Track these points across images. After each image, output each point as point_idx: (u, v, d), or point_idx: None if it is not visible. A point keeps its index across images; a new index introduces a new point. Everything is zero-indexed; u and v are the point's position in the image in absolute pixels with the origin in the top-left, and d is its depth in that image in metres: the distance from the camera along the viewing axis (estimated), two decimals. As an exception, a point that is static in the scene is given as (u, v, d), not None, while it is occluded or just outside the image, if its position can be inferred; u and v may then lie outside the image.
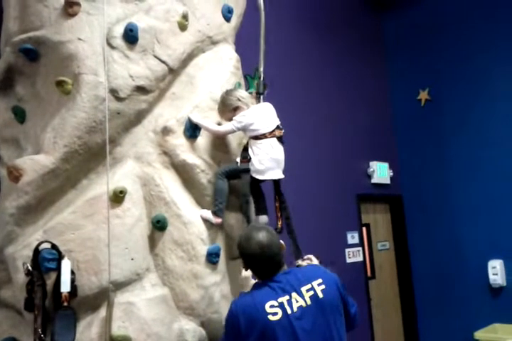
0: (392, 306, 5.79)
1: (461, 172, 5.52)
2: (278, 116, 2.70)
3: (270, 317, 1.81)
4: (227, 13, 2.93)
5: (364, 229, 5.53)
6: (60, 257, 2.17)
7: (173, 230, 2.45)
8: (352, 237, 5.16)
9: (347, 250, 5.06)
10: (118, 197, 2.32)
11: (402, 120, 6.07)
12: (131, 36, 2.44)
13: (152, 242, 2.46)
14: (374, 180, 5.59)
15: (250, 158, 2.59)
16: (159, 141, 2.53)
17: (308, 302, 1.87)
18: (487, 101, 5.39)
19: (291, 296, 1.87)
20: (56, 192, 2.35)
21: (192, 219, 2.48)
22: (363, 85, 5.73)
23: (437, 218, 5.65)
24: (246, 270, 2.09)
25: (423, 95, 5.88)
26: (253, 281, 2.09)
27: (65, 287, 2.12)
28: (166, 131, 2.52)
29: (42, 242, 2.18)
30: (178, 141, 2.53)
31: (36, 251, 2.16)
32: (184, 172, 2.56)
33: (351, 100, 5.51)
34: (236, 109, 2.64)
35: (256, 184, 2.66)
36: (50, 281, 2.17)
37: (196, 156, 2.56)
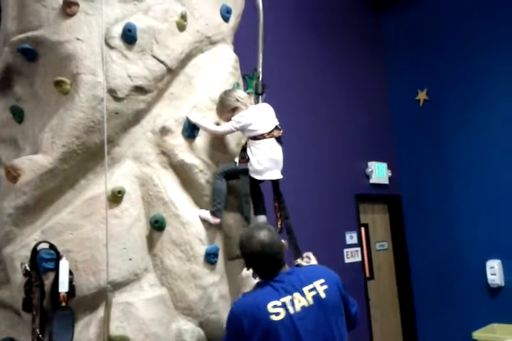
0: (390, 306, 5.79)
1: (459, 173, 5.52)
2: (277, 117, 2.70)
3: (273, 317, 1.81)
4: (225, 14, 2.93)
5: (362, 229, 5.53)
6: (58, 257, 2.17)
7: (171, 230, 2.45)
8: (350, 237, 5.16)
9: (345, 250, 5.05)
10: (116, 197, 2.31)
11: (400, 120, 6.07)
12: (129, 36, 2.44)
13: (150, 242, 2.46)
14: (372, 180, 5.59)
15: (249, 158, 2.59)
16: (158, 141, 2.53)
17: (311, 302, 1.87)
18: (486, 101, 5.40)
19: (293, 296, 1.87)
20: (54, 192, 2.35)
21: (190, 220, 2.48)
22: (361, 85, 5.73)
23: (436, 218, 5.65)
24: (248, 269, 2.09)
25: (421, 95, 5.88)
26: (253, 280, 2.09)
27: (63, 287, 2.12)
28: (164, 131, 2.52)
29: (40, 242, 2.18)
30: (177, 141, 2.53)
31: (34, 252, 2.16)
32: (182, 173, 2.56)
33: (350, 100, 5.51)
34: (235, 110, 2.65)
35: (255, 184, 2.66)
36: (48, 281, 2.17)
37: (195, 156, 2.56)
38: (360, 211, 5.46)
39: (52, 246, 2.17)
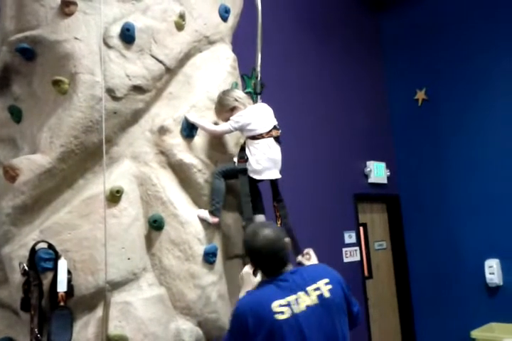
0: (389, 305, 5.80)
1: (458, 172, 5.53)
2: (275, 116, 2.70)
3: (277, 316, 1.82)
4: (224, 13, 2.93)
5: (361, 228, 5.53)
6: (56, 257, 2.16)
7: (170, 230, 2.45)
8: (349, 237, 5.16)
9: (344, 249, 5.06)
10: (115, 197, 2.31)
11: (399, 120, 6.08)
12: (128, 36, 2.44)
13: (149, 242, 2.46)
14: (371, 180, 5.60)
15: (247, 158, 2.59)
16: (156, 141, 2.53)
17: (315, 301, 1.88)
18: (484, 101, 5.40)
19: (298, 295, 1.87)
20: (53, 191, 2.34)
21: (189, 219, 2.48)
22: (360, 85, 5.74)
23: (434, 218, 5.66)
24: (252, 267, 2.08)
25: (420, 95, 5.89)
26: (253, 278, 2.08)
27: (62, 287, 2.12)
28: (162, 130, 2.52)
29: (38, 242, 2.18)
30: (175, 141, 2.53)
31: (33, 251, 2.16)
32: (181, 172, 2.55)
33: (348, 100, 5.51)
34: (233, 109, 2.65)
35: (253, 184, 2.66)
36: (46, 281, 2.17)
37: (193, 156, 2.56)
38: (359, 210, 5.46)
39: (50, 246, 2.17)
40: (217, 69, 2.82)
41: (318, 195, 4.80)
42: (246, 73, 3.90)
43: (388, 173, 5.85)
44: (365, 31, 6.08)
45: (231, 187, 2.67)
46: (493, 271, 5.12)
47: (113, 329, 2.16)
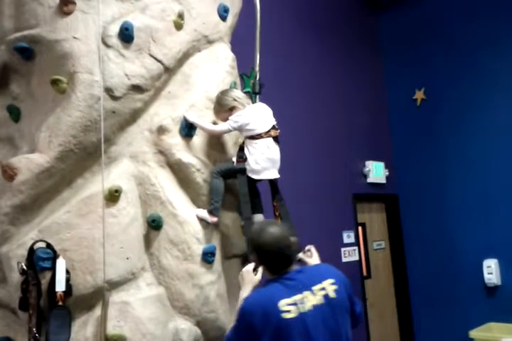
0: (387, 305, 5.80)
1: (456, 172, 5.53)
2: (274, 116, 2.70)
3: (284, 314, 1.83)
4: (223, 13, 2.93)
5: (360, 228, 5.54)
6: (55, 256, 2.16)
7: (168, 229, 2.45)
8: (348, 236, 5.17)
9: (343, 249, 5.06)
10: (113, 196, 2.31)
11: (398, 119, 6.08)
12: (126, 35, 2.43)
13: (147, 241, 2.46)
14: (370, 180, 5.60)
15: (246, 158, 2.59)
16: (155, 140, 2.53)
17: (321, 301, 1.89)
18: (483, 100, 5.41)
19: (304, 295, 1.88)
20: (51, 191, 2.34)
21: (187, 219, 2.48)
22: (359, 84, 5.74)
23: (433, 217, 5.66)
24: (257, 264, 2.07)
25: (419, 95, 5.89)
26: (253, 276, 2.08)
27: (60, 286, 2.11)
28: (161, 130, 2.52)
29: (37, 241, 2.17)
30: (174, 140, 2.53)
31: (31, 251, 2.16)
32: (180, 172, 2.55)
33: (347, 99, 5.51)
34: (232, 109, 2.65)
35: (252, 183, 2.66)
36: (45, 280, 2.16)
37: (192, 155, 2.56)
38: (358, 210, 5.46)
39: (49, 245, 2.17)
40: (216, 68, 2.82)
41: (316, 195, 4.80)
42: (245, 73, 3.90)
43: (387, 173, 5.85)
44: (364, 31, 6.08)
45: (230, 187, 2.67)
46: (491, 270, 5.13)
47: (111, 329, 2.16)
